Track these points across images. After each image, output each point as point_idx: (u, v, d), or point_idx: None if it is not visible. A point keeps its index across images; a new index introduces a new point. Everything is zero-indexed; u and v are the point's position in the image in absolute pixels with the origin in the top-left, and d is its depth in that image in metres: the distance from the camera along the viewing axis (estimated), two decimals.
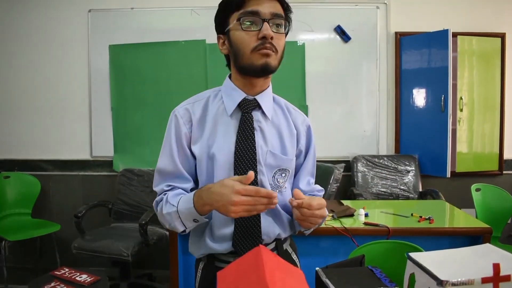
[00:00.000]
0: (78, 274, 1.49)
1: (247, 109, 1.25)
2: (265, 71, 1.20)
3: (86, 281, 1.44)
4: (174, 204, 1.19)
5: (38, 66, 3.81)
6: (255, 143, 1.24)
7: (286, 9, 1.23)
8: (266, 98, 1.29)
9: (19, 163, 3.86)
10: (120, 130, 3.80)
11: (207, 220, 1.23)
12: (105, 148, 3.82)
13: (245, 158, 1.22)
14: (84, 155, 3.86)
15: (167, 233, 3.23)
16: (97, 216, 3.61)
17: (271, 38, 1.16)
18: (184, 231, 1.23)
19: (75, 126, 3.84)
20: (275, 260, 0.96)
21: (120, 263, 3.22)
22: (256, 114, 1.27)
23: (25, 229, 3.45)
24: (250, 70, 1.20)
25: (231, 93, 1.27)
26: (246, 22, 1.16)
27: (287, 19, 1.23)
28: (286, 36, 1.24)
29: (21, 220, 3.63)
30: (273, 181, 1.29)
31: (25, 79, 3.83)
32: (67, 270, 1.52)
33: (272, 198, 1.06)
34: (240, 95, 1.26)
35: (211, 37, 3.65)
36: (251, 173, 1.06)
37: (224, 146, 1.24)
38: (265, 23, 1.15)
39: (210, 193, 1.11)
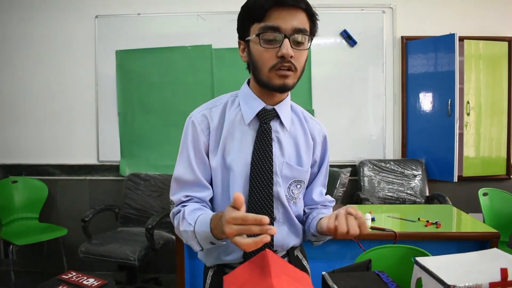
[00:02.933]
0: (85, 278, 1.49)
1: (265, 119, 1.22)
2: (282, 91, 1.18)
3: (93, 285, 1.45)
4: (191, 222, 1.14)
5: (45, 72, 3.84)
6: (272, 155, 1.22)
7: (312, 18, 1.16)
8: (284, 108, 1.26)
9: (26, 168, 3.89)
10: (126, 135, 3.82)
11: (225, 243, 1.15)
12: (112, 153, 3.84)
13: (261, 169, 1.20)
14: (91, 160, 3.88)
15: (174, 237, 3.24)
16: (104, 221, 3.62)
17: (291, 56, 1.11)
18: (202, 250, 1.17)
19: (82, 131, 3.86)
20: (282, 264, 0.96)
21: (127, 267, 3.22)
22: (274, 124, 1.24)
23: (33, 233, 3.47)
24: (268, 87, 1.18)
25: (249, 101, 1.24)
26: (266, 38, 1.11)
27: (312, 33, 1.17)
28: (310, 46, 1.17)
29: (29, 224, 3.66)
30: (288, 192, 1.27)
31: (32, 85, 3.86)
32: (74, 274, 1.53)
33: (262, 224, 0.92)
34: (259, 105, 1.23)
35: (217, 42, 3.70)
36: (237, 196, 0.94)
37: (240, 156, 1.21)
38: (286, 41, 1.10)
39: (220, 224, 1.02)
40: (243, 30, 1.19)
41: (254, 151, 1.21)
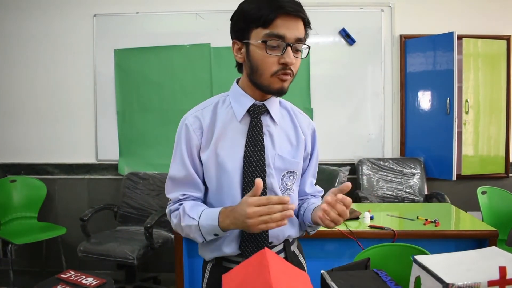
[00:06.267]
0: (84, 277, 1.49)
1: (256, 114, 1.27)
2: (279, 94, 1.24)
3: (91, 284, 1.45)
4: (195, 217, 1.22)
5: (44, 71, 3.83)
6: (264, 147, 1.26)
7: (306, 27, 1.22)
8: (274, 104, 1.31)
9: (25, 167, 3.88)
10: (125, 134, 3.82)
11: (228, 234, 1.25)
12: (110, 152, 3.83)
13: (254, 162, 1.25)
14: (90, 159, 3.87)
15: (172, 236, 3.24)
16: (102, 220, 3.62)
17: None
18: (204, 241, 1.25)
19: (81, 130, 3.86)
20: (280, 263, 0.96)
21: (126, 266, 3.22)
22: (265, 119, 1.29)
23: (31, 232, 3.46)
24: (265, 90, 1.23)
25: (239, 99, 1.29)
26: (270, 45, 1.16)
27: (306, 37, 1.24)
28: (307, 55, 1.25)
29: (27, 223, 3.65)
30: (282, 184, 1.31)
31: (30, 84, 3.85)
32: (73, 273, 1.52)
33: (285, 203, 1.08)
34: (249, 101, 1.27)
35: (216, 41, 3.70)
36: (258, 181, 1.08)
37: (233, 151, 1.26)
38: (289, 49, 1.16)
39: (233, 212, 1.14)
40: (242, 32, 1.21)
41: (246, 145, 1.26)
